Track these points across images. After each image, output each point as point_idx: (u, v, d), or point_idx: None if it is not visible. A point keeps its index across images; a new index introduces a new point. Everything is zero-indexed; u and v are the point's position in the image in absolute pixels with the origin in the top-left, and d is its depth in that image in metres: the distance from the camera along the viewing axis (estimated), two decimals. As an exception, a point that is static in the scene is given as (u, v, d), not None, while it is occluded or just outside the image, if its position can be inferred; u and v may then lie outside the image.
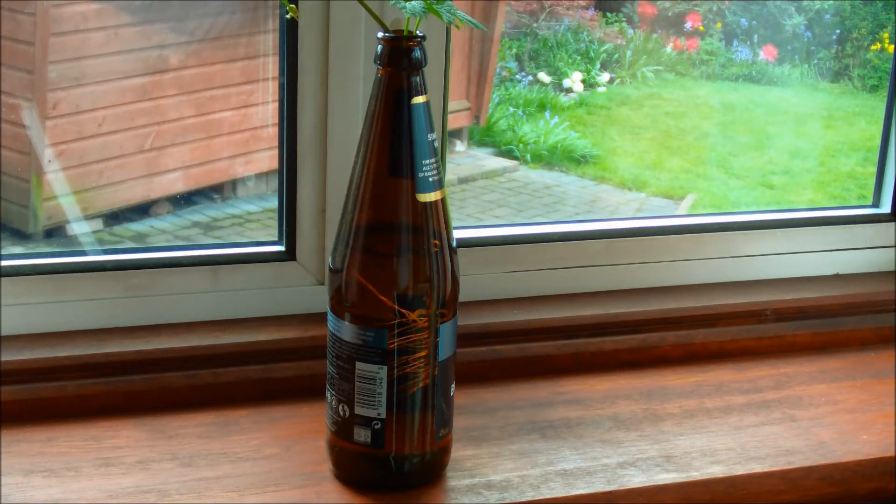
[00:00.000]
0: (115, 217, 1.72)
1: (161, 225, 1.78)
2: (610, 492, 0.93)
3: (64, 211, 1.62)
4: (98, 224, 1.68)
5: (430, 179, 0.85)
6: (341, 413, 0.89)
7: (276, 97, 1.08)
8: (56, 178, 1.62)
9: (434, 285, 0.87)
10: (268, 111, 1.61)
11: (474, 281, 1.13)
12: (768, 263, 1.23)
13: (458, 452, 0.95)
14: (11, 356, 0.99)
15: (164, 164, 1.75)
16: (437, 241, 0.87)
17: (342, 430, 0.89)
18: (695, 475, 0.96)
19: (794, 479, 0.98)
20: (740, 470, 0.97)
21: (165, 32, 1.71)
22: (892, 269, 1.26)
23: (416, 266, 0.86)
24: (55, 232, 1.62)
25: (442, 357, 0.88)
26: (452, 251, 0.88)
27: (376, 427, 0.88)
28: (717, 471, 0.96)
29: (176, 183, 1.78)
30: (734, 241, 1.22)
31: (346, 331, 0.87)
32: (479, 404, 1.05)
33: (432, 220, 0.86)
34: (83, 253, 1.36)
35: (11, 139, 1.52)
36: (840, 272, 1.25)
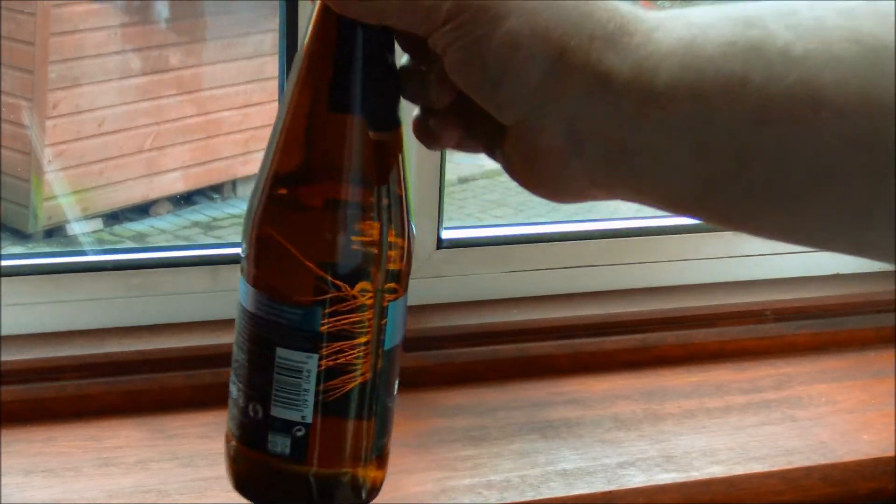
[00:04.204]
0: (115, 217, 1.72)
1: (161, 225, 1.78)
2: (610, 492, 0.93)
3: (64, 211, 1.62)
4: (98, 224, 1.68)
5: (385, 113, 0.64)
6: (251, 413, 0.66)
7: (276, 97, 1.08)
8: (56, 178, 1.62)
9: (382, 252, 0.65)
10: (268, 111, 1.61)
11: (474, 281, 1.13)
12: (768, 263, 1.23)
13: (458, 452, 0.95)
14: (11, 356, 0.99)
15: (164, 163, 1.75)
16: (387, 197, 0.65)
17: (251, 435, 0.65)
18: (695, 475, 0.96)
19: (794, 479, 0.98)
20: (740, 470, 0.97)
21: (165, 32, 1.71)
22: (892, 269, 1.26)
23: (360, 226, 0.64)
24: (55, 232, 1.62)
25: (388, 345, 0.66)
26: (407, 211, 0.66)
27: (299, 434, 0.65)
28: (717, 471, 0.96)
29: (176, 183, 1.78)
30: (734, 241, 1.22)
31: (263, 306, 0.63)
32: (479, 404, 1.05)
33: (383, 167, 0.64)
34: (83, 253, 1.35)
35: (11, 139, 1.52)
36: (840, 272, 1.25)
